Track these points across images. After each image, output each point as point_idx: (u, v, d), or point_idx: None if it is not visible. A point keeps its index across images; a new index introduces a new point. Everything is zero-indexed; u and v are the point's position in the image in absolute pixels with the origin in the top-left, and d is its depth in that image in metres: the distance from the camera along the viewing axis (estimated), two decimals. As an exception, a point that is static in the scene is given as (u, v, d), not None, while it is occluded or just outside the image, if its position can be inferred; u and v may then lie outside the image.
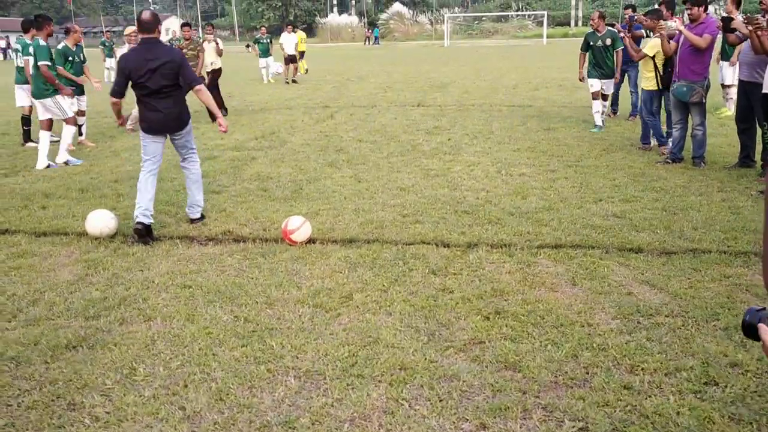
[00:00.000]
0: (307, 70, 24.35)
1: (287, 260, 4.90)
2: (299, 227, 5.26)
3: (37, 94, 8.71)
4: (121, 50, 11.44)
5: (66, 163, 8.78)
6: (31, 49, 8.82)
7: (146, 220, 5.41)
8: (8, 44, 56.79)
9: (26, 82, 9.69)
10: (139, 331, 3.79)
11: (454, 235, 5.36)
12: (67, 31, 10.34)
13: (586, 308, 3.95)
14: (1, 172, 8.42)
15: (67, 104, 8.92)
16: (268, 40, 21.69)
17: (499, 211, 5.99)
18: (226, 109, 13.15)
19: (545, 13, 58.15)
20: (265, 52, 21.56)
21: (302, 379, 3.24)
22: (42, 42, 8.64)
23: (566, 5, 71.88)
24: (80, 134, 10.30)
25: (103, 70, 22.99)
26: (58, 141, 8.98)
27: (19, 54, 9.53)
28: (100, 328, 3.84)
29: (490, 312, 3.92)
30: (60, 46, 9.93)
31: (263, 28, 23.11)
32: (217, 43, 13.54)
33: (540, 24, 60.79)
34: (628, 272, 4.52)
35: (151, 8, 77.91)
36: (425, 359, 3.38)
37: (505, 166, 7.83)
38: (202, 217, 5.96)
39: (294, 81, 21.01)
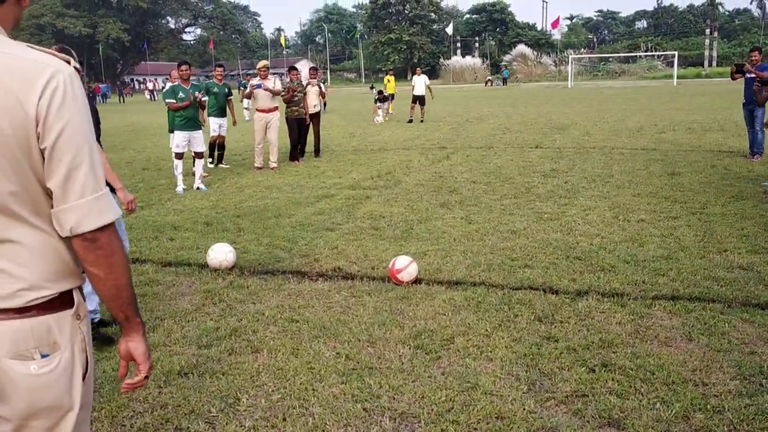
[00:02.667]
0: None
1: (392, 299, 4.95)
2: (406, 267, 5.30)
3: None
4: (253, 80, 12.28)
5: (198, 188, 10.05)
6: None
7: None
8: (155, 86, 61.66)
9: (219, 115, 12.36)
10: (246, 362, 3.94)
11: (564, 281, 5.22)
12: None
13: (702, 366, 3.71)
14: (138, 204, 9.05)
15: (177, 141, 10.11)
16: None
17: (613, 258, 5.78)
18: (318, 150, 13.62)
19: (676, 53, 56.02)
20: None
21: (397, 420, 3.25)
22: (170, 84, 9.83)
23: (699, 45, 69.08)
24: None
25: (241, 110, 24.36)
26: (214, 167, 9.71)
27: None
28: (210, 357, 4.03)
29: (596, 364, 3.77)
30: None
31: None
32: (320, 87, 14.16)
33: (670, 64, 58.64)
34: (752, 330, 4.21)
35: (284, 53, 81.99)
36: (524, 409, 3.29)
37: (622, 211, 7.56)
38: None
39: (421, 121, 21.56)
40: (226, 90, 12.50)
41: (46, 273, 1.53)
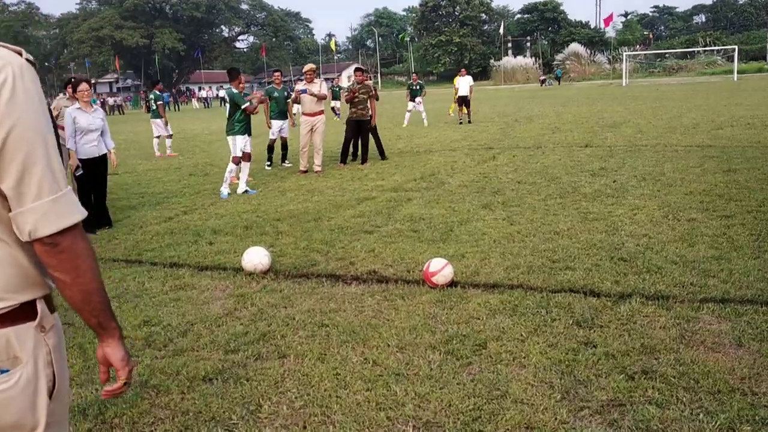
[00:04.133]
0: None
1: (426, 303, 4.81)
2: (441, 270, 5.16)
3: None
4: (299, 85, 12.36)
5: (246, 192, 10.08)
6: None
7: None
8: (208, 94, 62.91)
9: (279, 118, 13.04)
10: (272, 368, 3.86)
11: (606, 283, 4.99)
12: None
13: (752, 374, 3.46)
14: (181, 209, 9.16)
15: (240, 145, 9.94)
16: (418, 87, 22.20)
17: (660, 259, 5.51)
18: (382, 153, 13.47)
19: (736, 47, 54.09)
20: (414, 96, 22.13)
21: (421, 430, 3.11)
22: (234, 90, 9.97)
23: (761, 39, 66.62)
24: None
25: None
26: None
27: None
28: (236, 362, 3.96)
29: (636, 371, 3.55)
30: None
31: (414, 75, 23.57)
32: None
33: (730, 59, 56.71)
34: (809, 335, 3.92)
35: (335, 57, 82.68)
36: (555, 419, 3.12)
37: (672, 210, 7.23)
38: None
39: (468, 122, 21.31)
40: (285, 93, 12.84)
41: (3, 284, 1.43)
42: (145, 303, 5.17)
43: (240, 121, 9.97)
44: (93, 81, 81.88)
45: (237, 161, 10.07)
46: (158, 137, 17.07)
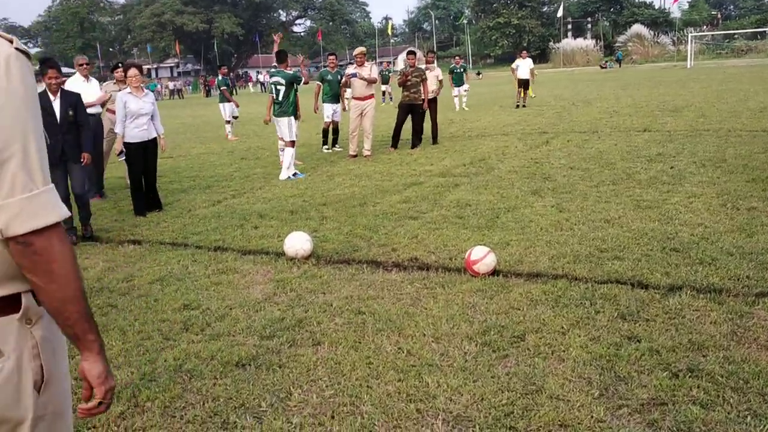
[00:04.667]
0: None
1: (465, 292, 4.70)
2: (482, 258, 5.03)
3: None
4: (349, 69, 12.37)
5: (294, 175, 10.12)
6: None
7: None
8: (266, 78, 63.51)
9: (333, 102, 13.09)
10: (305, 355, 3.83)
11: (656, 275, 4.78)
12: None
13: (808, 375, 3.25)
14: (230, 192, 9.25)
15: (294, 128, 10.08)
16: (462, 70, 21.76)
17: (715, 249, 5.26)
18: (435, 138, 13.30)
19: (813, 25, 51.45)
20: (458, 82, 21.66)
21: (450, 423, 3.03)
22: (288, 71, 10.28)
23: (842, 15, 63.27)
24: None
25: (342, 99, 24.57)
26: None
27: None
28: (270, 349, 3.95)
29: (681, 369, 3.38)
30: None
31: (457, 57, 22.97)
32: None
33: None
34: None
35: (391, 41, 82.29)
36: (591, 417, 2.99)
37: (732, 198, 6.90)
38: None
39: (523, 105, 20.89)
40: (339, 77, 12.79)
41: None
42: (186, 287, 5.21)
43: (293, 104, 10.05)
44: (154, 66, 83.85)
45: (293, 144, 10.11)
46: (228, 122, 17.09)
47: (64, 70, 11.25)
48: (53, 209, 1.37)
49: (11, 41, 1.35)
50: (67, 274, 1.39)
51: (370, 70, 11.97)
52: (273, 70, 10.51)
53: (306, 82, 10.39)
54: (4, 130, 1.30)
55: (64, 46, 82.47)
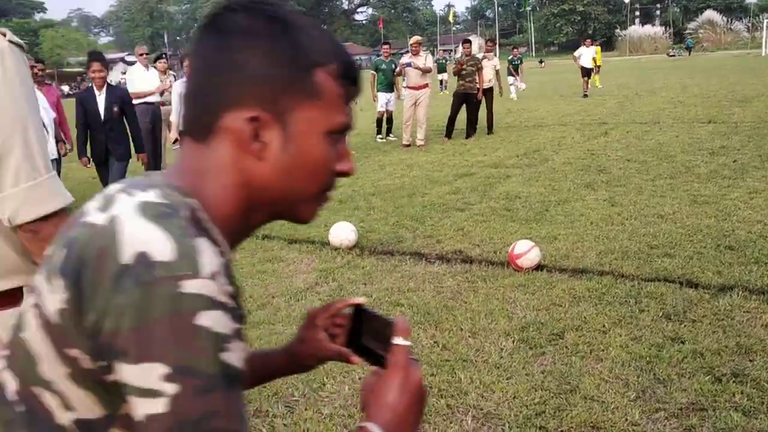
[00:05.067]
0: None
1: (507, 287, 4.64)
2: (526, 252, 4.96)
3: None
4: (404, 58, 12.40)
5: None
6: None
7: None
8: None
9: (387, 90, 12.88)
10: (341, 346, 3.85)
11: (707, 273, 4.61)
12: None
13: None
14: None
15: None
16: (519, 61, 21.37)
17: (773, 249, 5.04)
18: (491, 127, 13.13)
19: None
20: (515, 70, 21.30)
21: (480, 421, 3.00)
22: None
23: None
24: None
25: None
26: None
27: None
28: (308, 338, 3.98)
29: (725, 373, 3.25)
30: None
31: (516, 49, 22.49)
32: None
33: None
34: None
35: (453, 29, 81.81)
36: (625, 420, 2.91)
37: (797, 194, 6.60)
38: None
39: (585, 95, 20.44)
40: (393, 66, 12.74)
41: None
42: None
43: None
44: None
45: None
46: None
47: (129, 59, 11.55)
48: (58, 196, 1.42)
49: (4, 34, 1.39)
50: None
51: (425, 59, 11.90)
52: None
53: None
54: (4, 122, 1.35)
55: (134, 35, 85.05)
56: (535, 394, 3.17)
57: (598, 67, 24.66)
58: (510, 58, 21.79)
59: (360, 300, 1.05)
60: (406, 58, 12.14)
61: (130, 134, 7.18)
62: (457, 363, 3.55)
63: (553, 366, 3.46)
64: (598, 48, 25.97)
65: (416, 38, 12.29)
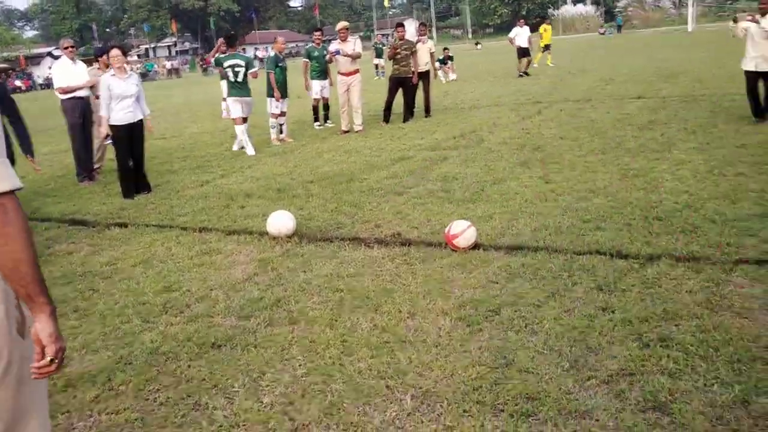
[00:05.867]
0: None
1: (445, 267, 4.70)
2: (462, 232, 5.02)
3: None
4: (332, 45, 12.37)
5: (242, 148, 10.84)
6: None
7: None
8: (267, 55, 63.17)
9: (320, 78, 12.81)
10: (281, 334, 3.84)
11: (636, 244, 4.77)
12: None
13: (778, 342, 3.25)
14: (220, 172, 9.23)
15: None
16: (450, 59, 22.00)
17: (698, 217, 5.23)
18: (428, 110, 13.19)
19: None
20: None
21: (419, 399, 3.04)
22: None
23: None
24: (281, 132, 11.73)
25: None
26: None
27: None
28: (247, 329, 3.96)
29: (653, 338, 3.38)
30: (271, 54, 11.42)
31: (446, 49, 22.88)
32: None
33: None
34: None
35: (389, 13, 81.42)
36: (559, 389, 2.99)
37: (720, 164, 6.85)
38: None
39: (526, 74, 20.78)
40: (325, 52, 12.60)
41: None
42: (169, 269, 5.22)
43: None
44: (152, 45, 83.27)
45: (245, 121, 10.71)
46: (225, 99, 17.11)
47: (57, 53, 11.13)
48: (7, 179, 1.57)
49: None
50: (22, 238, 1.58)
51: (354, 44, 11.86)
52: (224, 55, 10.59)
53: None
54: None
55: (61, 27, 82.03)
56: (473, 370, 3.23)
57: (548, 45, 25.19)
58: (441, 58, 22.03)
59: None
60: (334, 45, 12.06)
61: (14, 134, 6.94)
62: (396, 344, 3.59)
63: (490, 342, 3.53)
64: (549, 26, 26.52)
65: (343, 24, 12.23)
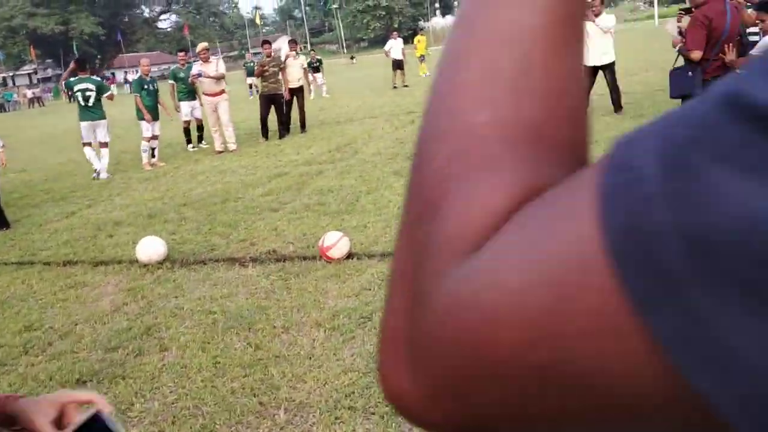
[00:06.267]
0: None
1: (320, 279, 4.73)
2: (335, 243, 5.07)
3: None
4: (194, 67, 12.03)
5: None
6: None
7: None
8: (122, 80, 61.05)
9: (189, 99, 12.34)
10: (150, 363, 3.73)
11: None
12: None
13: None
14: (86, 202, 8.82)
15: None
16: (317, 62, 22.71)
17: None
18: (303, 125, 13.20)
19: (656, -9, 55.16)
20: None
21: (292, 412, 3.04)
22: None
23: (680, -19, 67.92)
24: (153, 156, 11.36)
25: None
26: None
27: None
28: (115, 361, 3.82)
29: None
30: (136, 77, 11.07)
31: (312, 52, 23.44)
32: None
33: (650, 4, 57.81)
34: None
35: (263, 31, 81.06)
36: (428, 387, 3.08)
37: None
38: None
39: (405, 86, 21.23)
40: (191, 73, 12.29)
41: None
42: (29, 306, 4.95)
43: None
44: (10, 74, 78.57)
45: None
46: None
47: None
48: None
49: None
50: None
51: (216, 65, 11.75)
52: (74, 78, 10.43)
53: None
54: None
55: None
56: (345, 378, 3.27)
57: (423, 56, 25.83)
58: (309, 61, 22.21)
59: (100, 404, 1.05)
60: (196, 68, 11.87)
61: None
62: (270, 360, 3.57)
63: (362, 348, 3.58)
64: (424, 38, 27.22)
65: (203, 45, 12.10)
